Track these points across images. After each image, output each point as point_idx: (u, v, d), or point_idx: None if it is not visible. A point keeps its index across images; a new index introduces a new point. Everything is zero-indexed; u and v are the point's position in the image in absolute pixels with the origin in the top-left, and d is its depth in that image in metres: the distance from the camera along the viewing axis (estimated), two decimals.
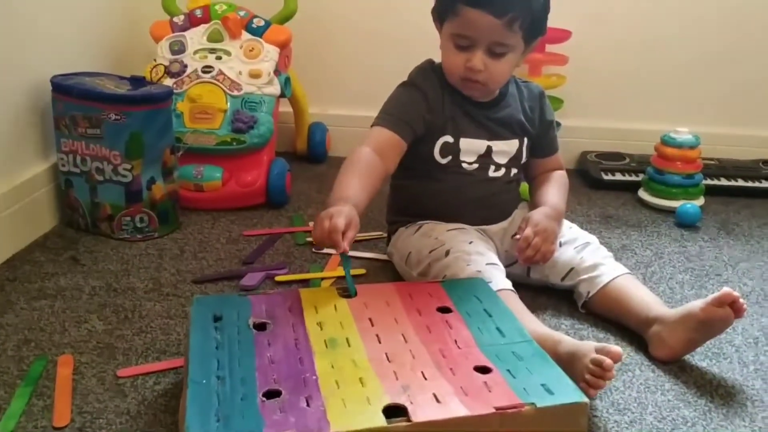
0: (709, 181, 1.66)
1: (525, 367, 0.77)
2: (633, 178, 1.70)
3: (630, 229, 1.47)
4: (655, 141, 1.63)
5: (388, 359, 0.77)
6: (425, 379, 0.74)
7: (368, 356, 0.77)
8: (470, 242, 1.09)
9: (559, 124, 1.75)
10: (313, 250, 1.29)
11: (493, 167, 1.18)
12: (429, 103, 1.13)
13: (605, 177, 1.71)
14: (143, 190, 1.29)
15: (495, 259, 1.09)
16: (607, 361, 0.83)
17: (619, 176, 1.72)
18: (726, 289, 0.94)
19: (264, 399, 0.70)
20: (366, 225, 1.39)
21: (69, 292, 1.11)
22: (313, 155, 1.80)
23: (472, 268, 1.03)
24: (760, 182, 1.70)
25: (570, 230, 1.18)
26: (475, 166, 1.17)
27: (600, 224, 1.49)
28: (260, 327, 0.84)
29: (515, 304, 1.00)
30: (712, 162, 1.74)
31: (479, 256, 1.07)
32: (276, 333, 0.82)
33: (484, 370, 0.76)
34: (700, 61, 1.81)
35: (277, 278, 1.17)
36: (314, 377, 0.73)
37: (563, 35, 1.68)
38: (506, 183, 1.20)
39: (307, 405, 0.69)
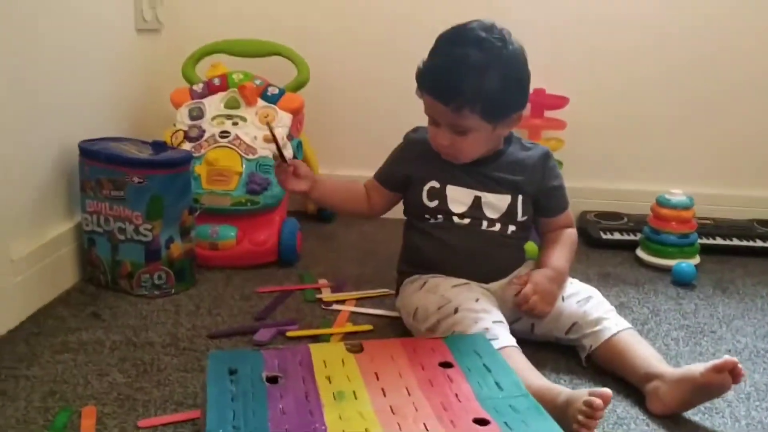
0: (704, 241, 1.71)
1: (521, 419, 0.82)
2: (631, 237, 1.76)
3: (627, 287, 1.53)
4: (651, 201, 1.70)
5: (392, 411, 0.82)
6: (427, 430, 0.79)
7: (374, 408, 0.83)
8: (477, 299, 1.15)
9: None
10: (322, 306, 1.35)
11: (485, 222, 1.22)
12: (416, 154, 1.25)
13: (604, 236, 1.77)
14: (162, 249, 1.36)
15: (500, 316, 1.14)
16: (597, 401, 0.88)
17: (617, 235, 1.78)
18: (727, 357, 0.97)
19: None
20: (374, 282, 1.46)
21: (91, 346, 1.17)
22: (322, 215, 1.88)
23: (480, 325, 1.09)
24: (755, 241, 1.76)
25: (571, 285, 1.24)
26: (467, 220, 1.22)
27: (598, 282, 1.54)
28: (272, 380, 0.89)
29: (519, 359, 1.05)
30: (708, 222, 1.80)
31: (486, 314, 1.12)
32: (287, 386, 0.87)
33: (482, 422, 0.81)
34: (696, 124, 1.89)
35: (288, 334, 1.23)
36: (323, 428, 0.78)
37: (561, 102, 1.77)
38: (503, 239, 1.24)
39: None
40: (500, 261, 1.26)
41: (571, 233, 1.31)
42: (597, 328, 1.15)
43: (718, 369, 0.97)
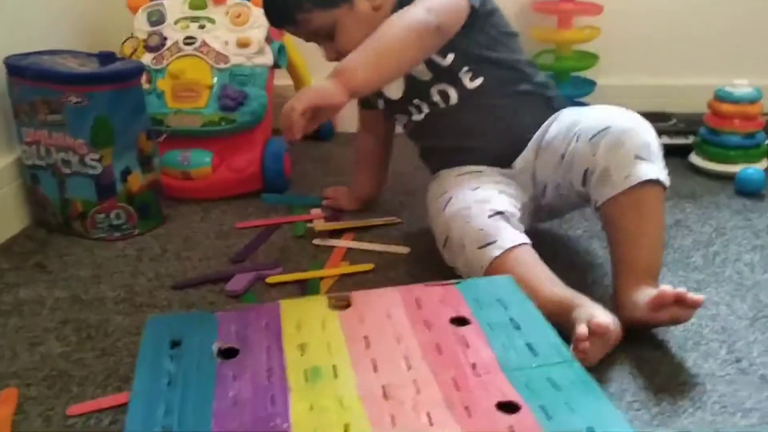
0: None
1: (564, 401, 0.59)
2: (681, 141, 1.49)
3: (683, 200, 1.27)
4: (706, 98, 1.41)
5: (384, 395, 0.60)
6: (431, 424, 0.56)
7: (359, 392, 0.60)
8: (475, 188, 0.94)
9: (593, 83, 1.55)
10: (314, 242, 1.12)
11: (436, 96, 1.02)
12: None
13: None
14: (116, 183, 1.12)
15: (504, 203, 0.92)
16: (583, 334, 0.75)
17: (665, 139, 1.49)
18: (664, 288, 0.79)
19: None
20: (378, 210, 1.23)
21: (28, 307, 0.96)
22: (318, 132, 1.62)
23: (473, 225, 0.89)
24: None
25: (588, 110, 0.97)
26: (422, 115, 1.05)
27: None
28: (229, 353, 0.67)
29: (529, 263, 0.87)
30: None
31: (482, 204, 0.90)
32: (245, 362, 0.65)
33: (510, 407, 0.58)
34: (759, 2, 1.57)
35: (269, 279, 1.00)
36: (285, 425, 0.56)
37: None
38: (475, 103, 1.01)
39: None
40: (490, 132, 1.02)
41: (402, 12, 0.95)
42: (605, 181, 0.88)
43: (655, 307, 0.79)
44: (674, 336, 0.86)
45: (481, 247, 0.87)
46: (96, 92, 1.07)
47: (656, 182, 0.87)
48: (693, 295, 0.78)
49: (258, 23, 1.33)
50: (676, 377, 0.78)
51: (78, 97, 1.07)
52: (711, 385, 0.77)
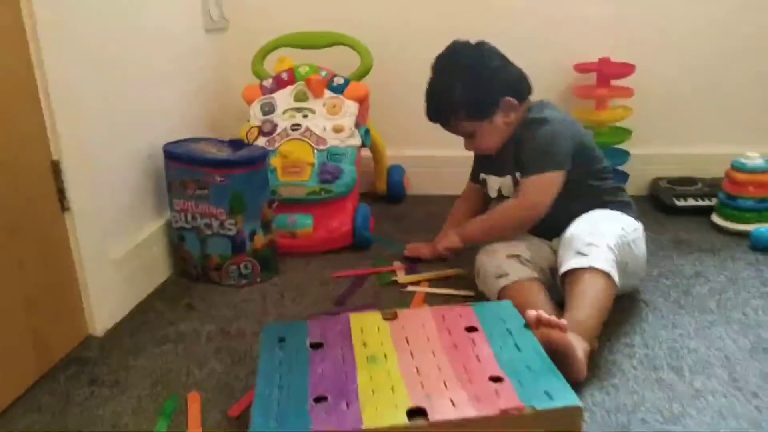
0: None
1: (533, 377, 0.89)
2: (706, 202, 1.73)
3: (703, 254, 1.51)
4: (726, 163, 1.66)
5: (417, 372, 0.91)
6: (446, 388, 0.88)
7: (401, 369, 0.92)
8: (509, 241, 1.30)
9: (628, 154, 1.81)
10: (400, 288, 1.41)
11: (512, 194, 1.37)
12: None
13: (678, 203, 1.75)
14: (246, 241, 1.44)
15: (524, 252, 1.27)
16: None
17: (691, 201, 1.75)
18: (529, 313, 1.02)
19: (314, 403, 0.86)
20: (446, 261, 1.51)
21: (189, 337, 1.26)
22: (392, 195, 1.93)
23: (494, 261, 1.26)
24: None
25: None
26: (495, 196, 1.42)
27: (672, 249, 1.54)
28: (316, 346, 1.01)
29: (530, 292, 1.19)
30: None
31: (506, 249, 1.27)
32: (327, 351, 0.99)
33: (497, 380, 0.89)
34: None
35: None
36: (355, 386, 0.89)
37: (627, 70, 1.75)
38: None
39: (347, 408, 0.85)
40: (543, 223, 1.30)
41: (510, 206, 1.32)
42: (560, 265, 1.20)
43: (531, 326, 1.01)
44: (687, 363, 1.11)
45: (496, 278, 1.24)
46: (234, 174, 1.40)
47: (588, 269, 1.14)
48: (548, 317, 1.01)
49: (349, 112, 1.66)
50: (686, 393, 1.03)
51: (221, 177, 1.39)
52: (712, 398, 1.02)
